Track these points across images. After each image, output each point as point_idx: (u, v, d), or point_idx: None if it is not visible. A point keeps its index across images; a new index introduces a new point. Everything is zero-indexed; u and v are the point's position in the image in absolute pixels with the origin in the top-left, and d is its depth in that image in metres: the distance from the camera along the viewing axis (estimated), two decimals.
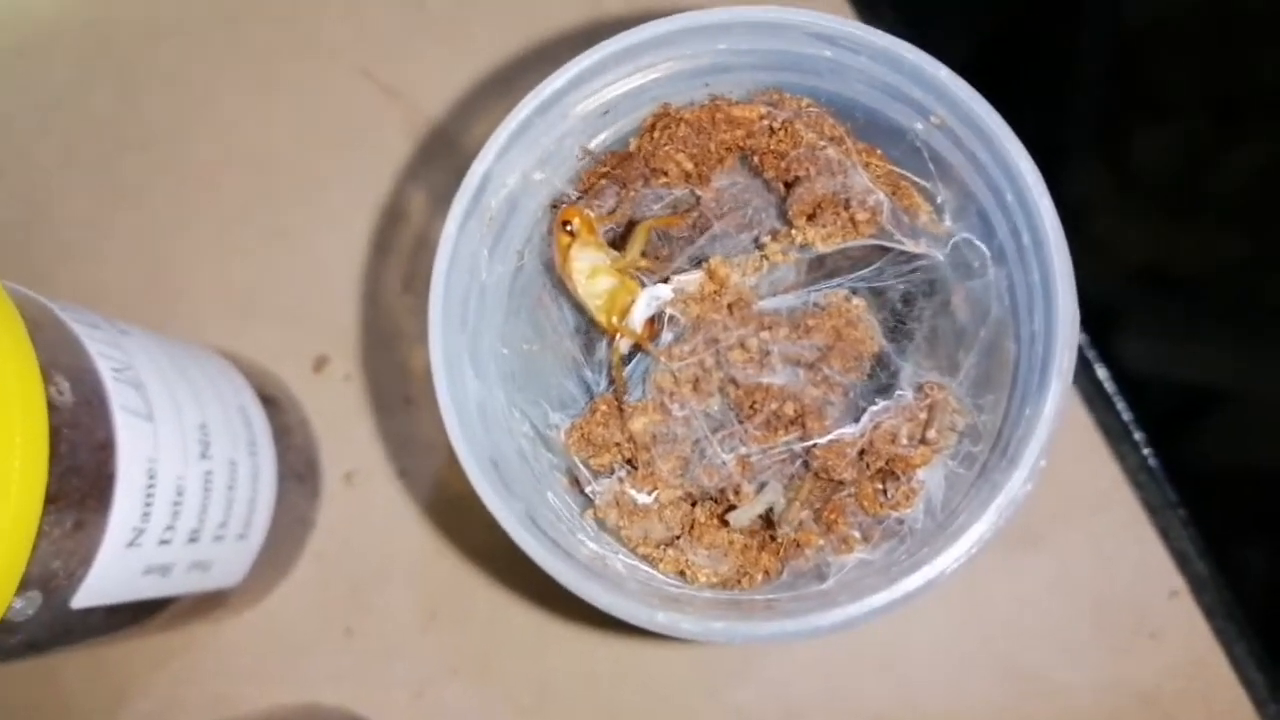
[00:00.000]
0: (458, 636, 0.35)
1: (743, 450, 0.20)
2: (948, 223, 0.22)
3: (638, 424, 0.21)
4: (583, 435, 0.22)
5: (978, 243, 0.21)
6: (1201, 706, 0.32)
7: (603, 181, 0.21)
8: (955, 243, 0.21)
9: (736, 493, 0.21)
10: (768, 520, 0.22)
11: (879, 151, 0.22)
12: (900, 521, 0.21)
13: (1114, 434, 0.34)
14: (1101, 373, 0.34)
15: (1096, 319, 0.34)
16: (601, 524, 0.22)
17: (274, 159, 0.39)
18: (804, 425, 0.20)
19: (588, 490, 0.22)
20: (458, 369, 0.20)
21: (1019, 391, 0.20)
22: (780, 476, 0.21)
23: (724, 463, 0.20)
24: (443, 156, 0.37)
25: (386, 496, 0.37)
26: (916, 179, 0.21)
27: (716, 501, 0.21)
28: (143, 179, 0.39)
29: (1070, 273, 0.18)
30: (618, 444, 0.21)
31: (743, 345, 0.20)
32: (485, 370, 0.21)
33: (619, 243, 0.22)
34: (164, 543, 0.29)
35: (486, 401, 0.21)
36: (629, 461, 0.21)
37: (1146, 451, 0.34)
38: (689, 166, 0.21)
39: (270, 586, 0.38)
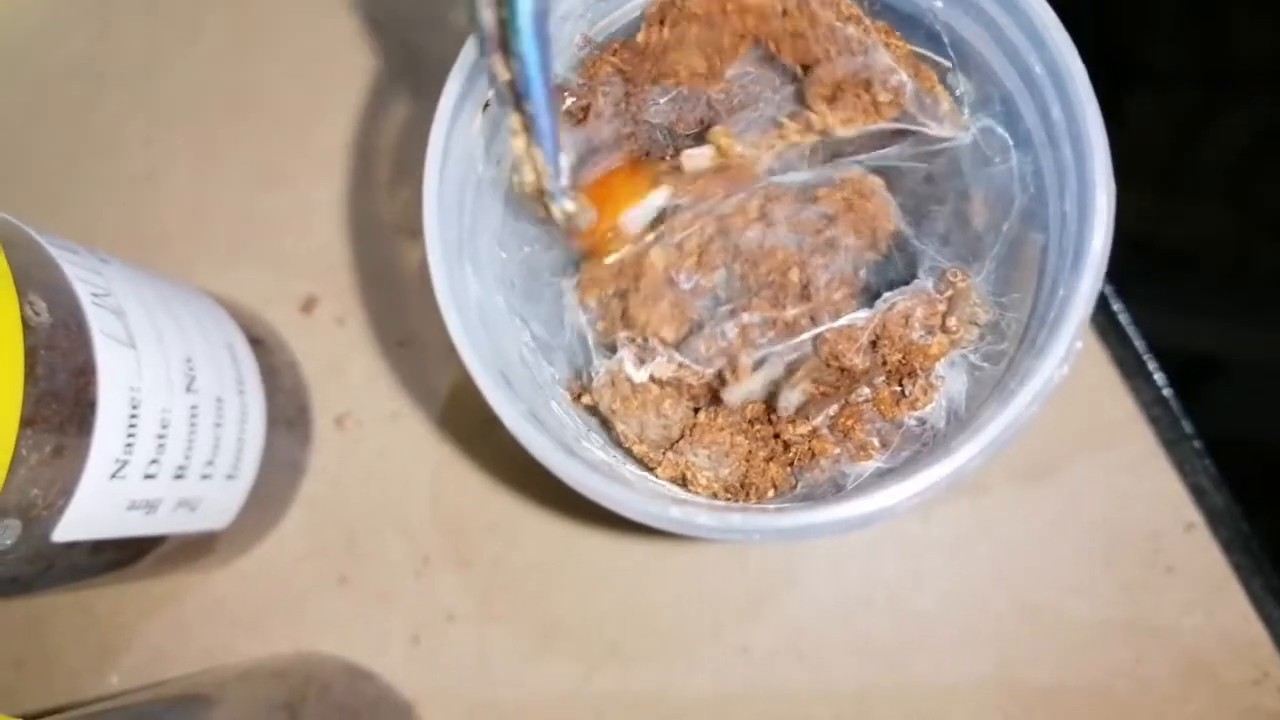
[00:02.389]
0: (453, 582, 0.34)
1: (745, 319, 0.19)
2: (968, 115, 0.21)
3: (654, 254, 0.19)
4: (591, 277, 0.20)
5: (1000, 130, 0.20)
6: (1219, 642, 0.31)
7: (609, 70, 0.20)
8: (978, 130, 0.20)
9: (734, 371, 0.19)
10: (770, 419, 0.20)
11: (898, 34, 0.21)
12: (922, 422, 0.20)
13: (1129, 367, 0.33)
14: (1116, 306, 0.33)
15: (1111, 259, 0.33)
16: (599, 415, 0.21)
17: (254, 96, 0.37)
18: (810, 298, 0.19)
19: (592, 368, 0.21)
20: (456, 266, 0.19)
21: (1048, 280, 0.19)
22: (786, 355, 0.19)
23: (723, 332, 0.19)
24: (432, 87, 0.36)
25: (379, 441, 0.36)
26: (939, 60, 0.20)
27: (716, 391, 0.20)
28: (121, 119, 0.38)
29: (1105, 144, 0.17)
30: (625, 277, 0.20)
31: (743, 210, 0.19)
32: (484, 272, 0.20)
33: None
34: (149, 477, 0.28)
35: (487, 305, 0.20)
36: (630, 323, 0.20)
37: (1162, 383, 0.33)
38: (700, 66, 0.20)
39: (261, 534, 0.37)
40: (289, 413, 0.36)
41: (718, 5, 0.19)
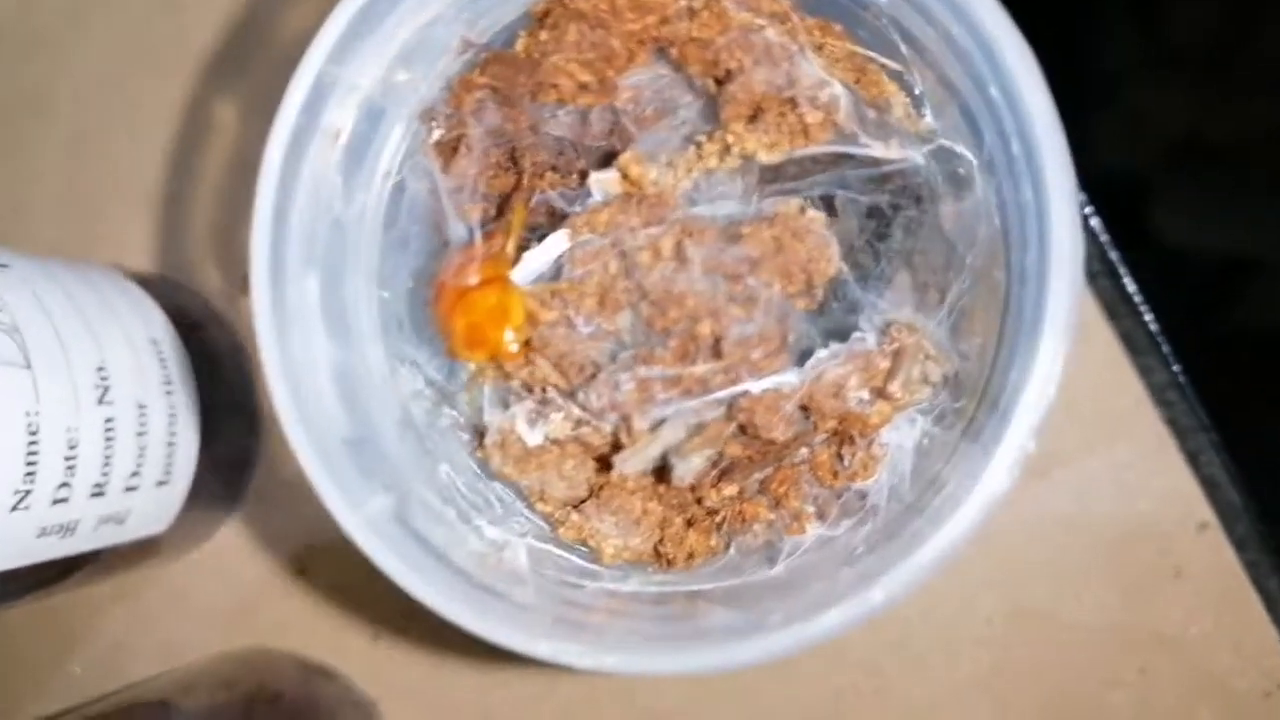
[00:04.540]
0: None
1: (643, 373, 0.16)
2: (928, 118, 0.17)
3: (533, 305, 0.17)
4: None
5: (961, 150, 0.16)
6: (1229, 649, 0.29)
7: (481, 93, 0.17)
8: (936, 149, 0.16)
9: (628, 432, 0.16)
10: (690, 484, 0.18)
11: (836, 28, 0.17)
12: (862, 496, 0.17)
13: (1138, 346, 0.30)
14: (1125, 276, 0.30)
15: (1126, 199, 0.30)
16: (495, 472, 0.18)
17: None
18: (723, 355, 0.16)
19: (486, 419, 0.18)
20: (296, 333, 0.16)
21: (1011, 326, 0.16)
22: (689, 418, 0.16)
23: (617, 384, 0.16)
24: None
25: None
26: (886, 61, 0.17)
27: (616, 448, 0.17)
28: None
29: (1071, 192, 0.13)
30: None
31: (654, 248, 0.16)
32: (351, 324, 0.17)
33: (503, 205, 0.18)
34: (60, 501, 0.26)
35: (348, 365, 0.17)
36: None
37: (1175, 366, 0.29)
38: (585, 77, 0.16)
39: (213, 527, 0.35)
40: (233, 399, 0.34)
41: (606, 1, 0.16)
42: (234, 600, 0.35)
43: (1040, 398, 0.14)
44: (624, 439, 0.16)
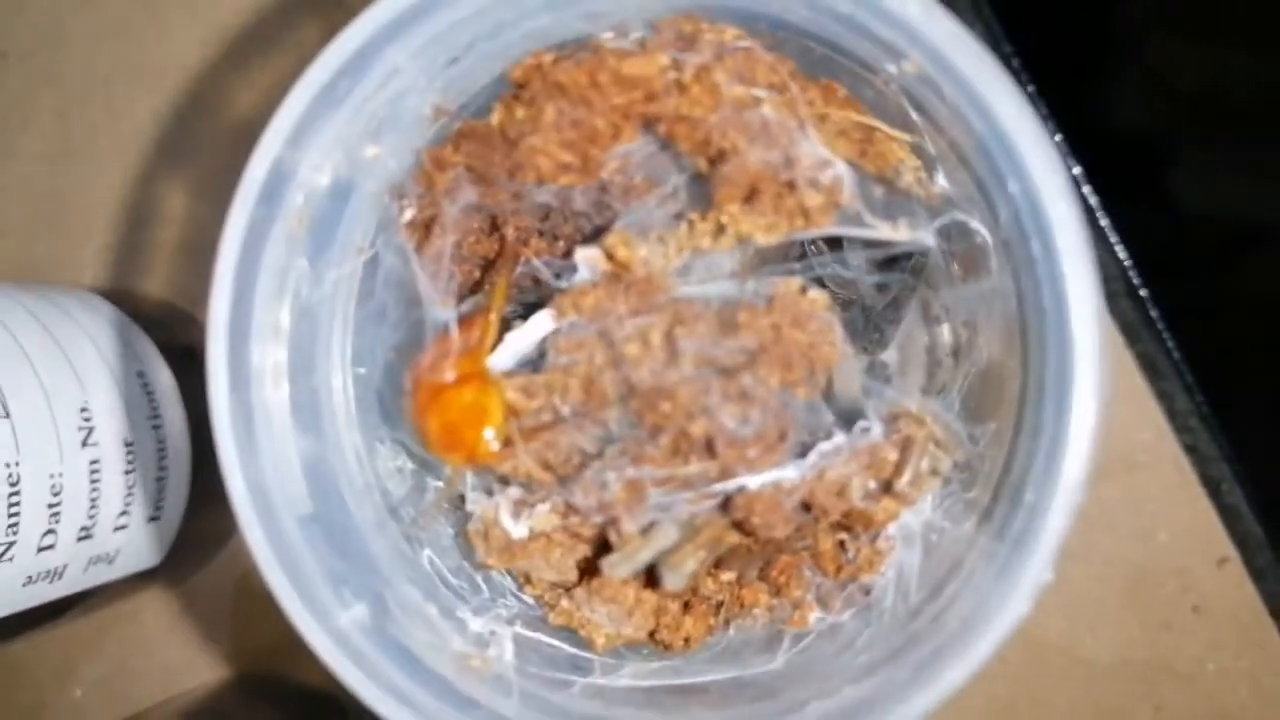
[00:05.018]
0: None
1: (631, 473, 0.15)
2: (941, 183, 0.16)
3: (513, 390, 0.16)
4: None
5: (976, 225, 0.15)
6: (1248, 687, 0.28)
7: (454, 171, 0.15)
8: (948, 224, 0.15)
9: (618, 534, 0.15)
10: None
11: (841, 93, 0.16)
12: (866, 591, 0.16)
13: (1159, 372, 0.29)
14: (1147, 298, 0.28)
15: (1147, 164, 0.28)
16: (479, 562, 0.17)
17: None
18: (716, 454, 0.15)
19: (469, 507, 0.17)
20: (263, 438, 0.15)
21: (1029, 417, 0.14)
22: (682, 515, 0.15)
23: (604, 483, 0.15)
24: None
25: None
26: (896, 134, 0.15)
27: (608, 543, 0.16)
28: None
29: (1096, 308, 0.12)
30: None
31: (643, 339, 0.15)
32: (323, 411, 0.17)
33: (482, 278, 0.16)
34: (45, 549, 0.26)
35: (322, 456, 0.16)
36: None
37: (1198, 394, 0.28)
38: (566, 157, 0.15)
39: (214, 550, 0.35)
40: None
41: (586, 75, 0.14)
42: (238, 623, 0.34)
43: (1064, 516, 0.13)
44: (613, 540, 0.15)
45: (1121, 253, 0.28)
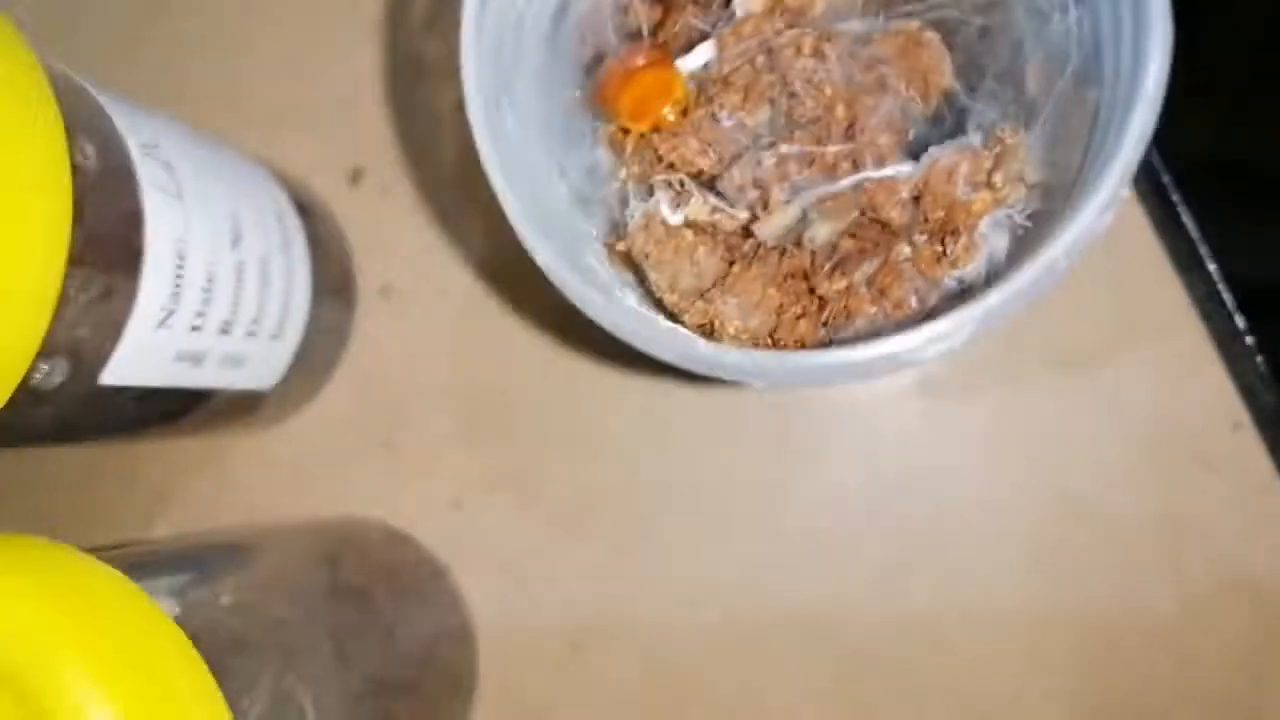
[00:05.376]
0: (496, 450, 0.35)
1: (783, 149, 0.18)
2: None
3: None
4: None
5: None
6: (1260, 543, 0.31)
7: None
8: None
9: (765, 204, 0.19)
10: (805, 275, 0.20)
11: None
12: (961, 282, 0.19)
13: (1181, 258, 0.32)
14: (1174, 196, 0.32)
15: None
16: (633, 267, 0.20)
17: None
18: (854, 138, 0.18)
19: (628, 212, 0.21)
20: (494, 107, 0.19)
21: (1099, 137, 0.18)
22: (820, 194, 0.19)
23: (759, 161, 0.18)
24: None
25: (424, 310, 0.36)
26: None
27: (751, 235, 0.20)
28: None
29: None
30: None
31: (797, 45, 0.18)
32: (523, 116, 0.20)
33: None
34: (195, 329, 0.29)
35: (525, 150, 0.20)
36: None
37: (1216, 278, 0.32)
38: None
39: (305, 398, 0.37)
40: (334, 280, 0.36)
41: None
42: (320, 469, 0.37)
43: (1131, 160, 0.16)
44: (759, 214, 0.19)
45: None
